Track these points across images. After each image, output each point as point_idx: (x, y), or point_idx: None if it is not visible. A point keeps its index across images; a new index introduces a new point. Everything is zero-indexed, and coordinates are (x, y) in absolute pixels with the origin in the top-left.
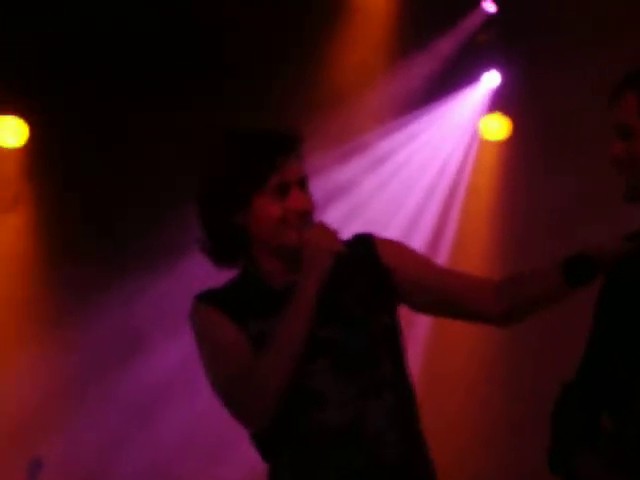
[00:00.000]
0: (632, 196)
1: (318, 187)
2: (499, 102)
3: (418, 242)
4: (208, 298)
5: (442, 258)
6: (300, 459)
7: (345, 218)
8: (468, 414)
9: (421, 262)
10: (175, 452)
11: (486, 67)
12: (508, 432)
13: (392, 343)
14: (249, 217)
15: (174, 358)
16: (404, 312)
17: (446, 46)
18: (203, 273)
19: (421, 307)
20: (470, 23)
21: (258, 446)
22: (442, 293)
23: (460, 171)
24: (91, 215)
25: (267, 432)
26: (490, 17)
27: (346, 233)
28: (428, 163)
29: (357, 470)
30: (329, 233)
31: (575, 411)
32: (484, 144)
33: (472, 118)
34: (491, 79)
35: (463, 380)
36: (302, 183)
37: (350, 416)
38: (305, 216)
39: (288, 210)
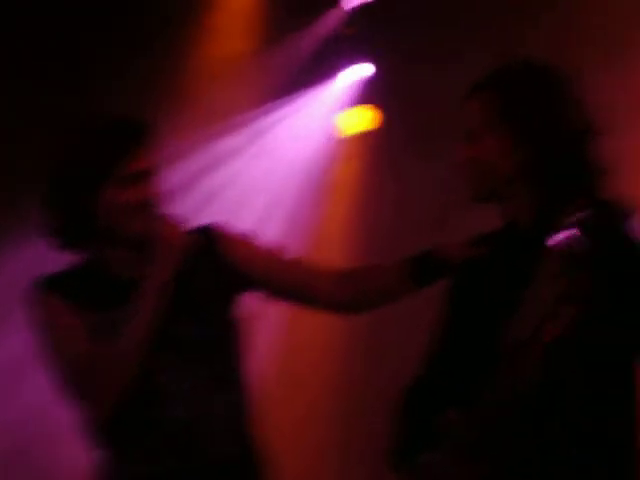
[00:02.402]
0: (481, 198)
1: (174, 173)
2: (363, 96)
3: (271, 231)
4: (48, 283)
5: (294, 250)
6: (136, 452)
7: (200, 205)
8: (320, 410)
9: (262, 253)
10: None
11: (352, 59)
12: (362, 426)
13: (233, 339)
14: (95, 205)
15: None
16: (255, 305)
17: (311, 37)
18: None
19: (266, 295)
20: (336, 15)
21: (95, 435)
22: (284, 283)
23: (319, 163)
24: None
25: (106, 423)
26: (362, 8)
27: (199, 220)
28: (287, 154)
29: (191, 467)
30: (176, 226)
31: (420, 409)
32: (345, 137)
33: (334, 110)
34: (356, 71)
35: (316, 375)
36: (148, 174)
37: (189, 411)
38: (147, 207)
39: (132, 200)
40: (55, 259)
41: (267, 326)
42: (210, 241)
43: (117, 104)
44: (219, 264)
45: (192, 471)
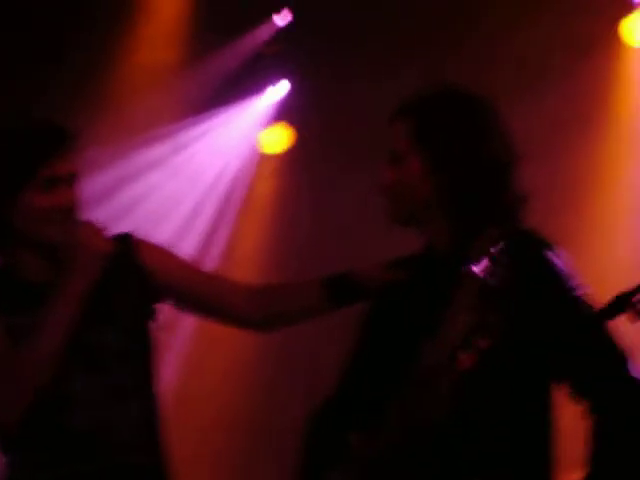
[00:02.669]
0: (400, 220)
1: (93, 182)
2: (283, 114)
3: (188, 245)
4: None
5: (211, 265)
6: (43, 456)
7: (117, 215)
8: (228, 418)
9: (180, 265)
10: None
11: (274, 78)
12: (265, 441)
13: (144, 347)
14: (15, 208)
15: None
16: (168, 314)
17: (235, 54)
18: None
19: (181, 306)
20: (260, 33)
21: (1, 438)
22: (198, 295)
23: (239, 180)
24: None
25: (12, 428)
26: (283, 28)
27: (116, 230)
28: (206, 170)
29: (100, 470)
30: (99, 233)
31: (326, 430)
32: (264, 155)
33: (254, 128)
34: (277, 90)
35: (225, 384)
36: (71, 179)
37: (97, 418)
38: (68, 213)
39: (54, 205)
40: None
41: (179, 334)
42: (129, 249)
43: (38, 108)
44: (137, 272)
45: (98, 478)
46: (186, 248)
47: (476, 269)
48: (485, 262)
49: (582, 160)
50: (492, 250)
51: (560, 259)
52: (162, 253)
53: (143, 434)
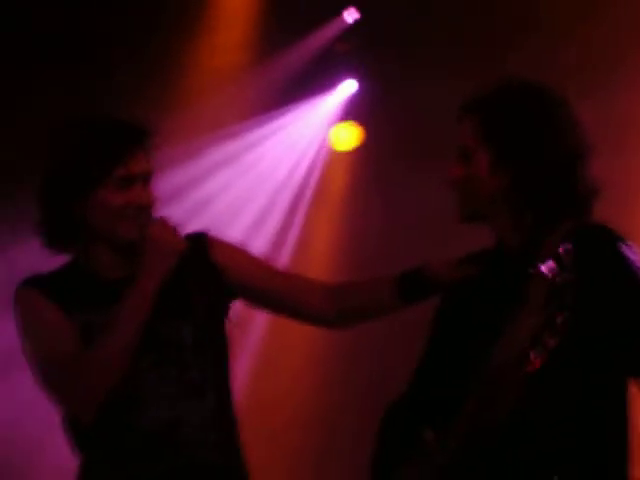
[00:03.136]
0: (466, 217)
1: (165, 181)
2: (352, 112)
3: (260, 243)
4: (34, 283)
5: (283, 262)
6: (115, 455)
7: (189, 213)
8: (302, 417)
9: (254, 263)
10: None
11: (343, 76)
12: (340, 440)
13: (219, 343)
14: (89, 205)
15: None
16: (240, 311)
17: (304, 52)
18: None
19: (254, 304)
20: (330, 31)
21: (73, 437)
22: (273, 294)
23: (310, 177)
24: None
25: (85, 426)
26: (351, 26)
27: (190, 228)
28: (277, 167)
29: (173, 469)
30: (172, 230)
31: (401, 426)
32: (334, 152)
33: (325, 125)
34: (346, 88)
35: (299, 382)
36: (146, 178)
37: (170, 415)
38: (144, 210)
39: (129, 203)
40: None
41: (252, 333)
42: (203, 246)
43: (111, 107)
44: (211, 269)
45: (171, 476)
46: (258, 246)
47: (546, 267)
48: (556, 259)
49: None
50: (564, 246)
51: (634, 253)
52: (236, 251)
53: (215, 432)
